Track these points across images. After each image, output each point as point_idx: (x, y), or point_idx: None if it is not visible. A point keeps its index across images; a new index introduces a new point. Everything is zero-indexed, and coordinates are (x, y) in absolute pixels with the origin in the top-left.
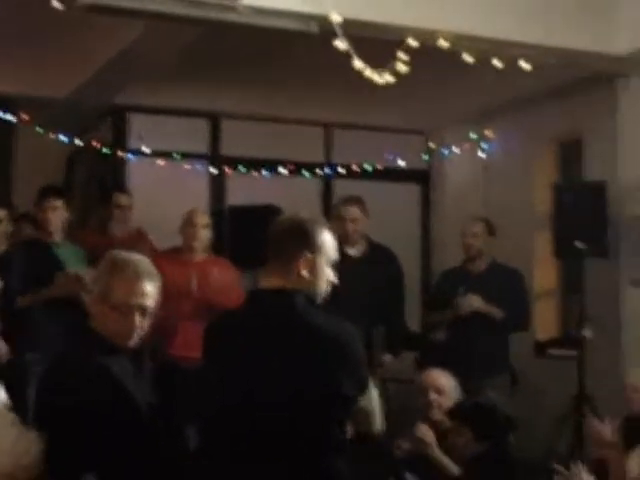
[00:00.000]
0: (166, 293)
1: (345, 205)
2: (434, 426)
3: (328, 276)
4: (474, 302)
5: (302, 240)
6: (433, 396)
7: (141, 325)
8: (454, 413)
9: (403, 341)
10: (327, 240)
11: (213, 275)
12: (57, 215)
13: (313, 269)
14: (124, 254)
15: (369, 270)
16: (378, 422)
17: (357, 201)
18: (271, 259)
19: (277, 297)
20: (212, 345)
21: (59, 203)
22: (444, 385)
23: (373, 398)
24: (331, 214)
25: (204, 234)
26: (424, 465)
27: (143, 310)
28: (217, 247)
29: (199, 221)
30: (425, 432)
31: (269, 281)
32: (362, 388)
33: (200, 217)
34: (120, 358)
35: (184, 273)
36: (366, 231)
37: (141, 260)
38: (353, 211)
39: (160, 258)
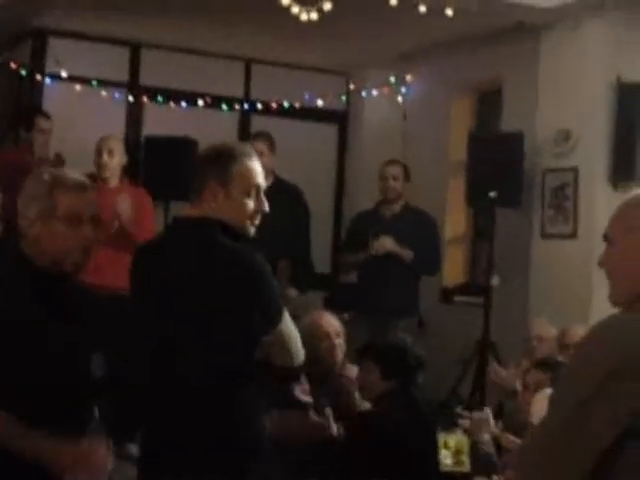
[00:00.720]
0: None
1: (252, 140)
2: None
3: (244, 206)
4: (387, 244)
5: (210, 169)
6: (337, 340)
7: (94, 237)
8: (364, 351)
9: (309, 278)
10: (243, 170)
11: (125, 203)
12: None
13: (221, 199)
14: (58, 170)
15: (273, 204)
16: (296, 354)
17: (264, 136)
18: (191, 188)
19: (189, 226)
20: (132, 276)
21: None
22: (335, 328)
23: (291, 330)
24: None
25: (115, 161)
26: None
27: (94, 218)
28: (132, 176)
29: (111, 147)
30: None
31: (187, 210)
32: (275, 320)
33: (111, 143)
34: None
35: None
36: (273, 166)
37: (77, 175)
38: (258, 146)
39: None
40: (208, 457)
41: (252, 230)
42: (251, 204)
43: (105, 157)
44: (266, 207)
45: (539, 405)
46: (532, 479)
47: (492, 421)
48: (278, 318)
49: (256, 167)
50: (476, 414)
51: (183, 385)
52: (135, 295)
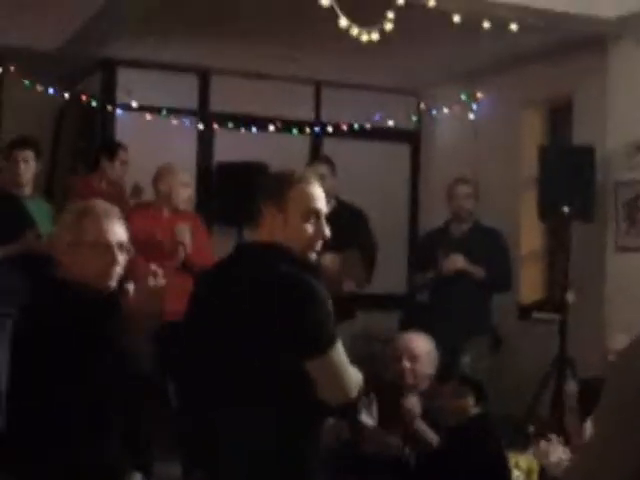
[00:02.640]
0: (137, 246)
1: (313, 164)
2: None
3: (303, 231)
4: (457, 262)
5: (268, 194)
6: (406, 364)
7: (120, 261)
8: (449, 373)
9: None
10: (301, 194)
11: (186, 232)
12: (28, 167)
13: (279, 224)
14: (87, 202)
15: (336, 228)
16: (348, 388)
17: (324, 160)
18: (252, 213)
19: (250, 252)
20: (193, 299)
21: (30, 154)
22: (419, 351)
23: (342, 362)
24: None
25: (182, 191)
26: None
27: (120, 245)
28: (204, 203)
29: (177, 178)
30: (414, 404)
31: (249, 235)
32: (324, 346)
33: (176, 174)
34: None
35: (155, 227)
36: (335, 190)
37: (107, 204)
38: (320, 169)
39: (132, 212)
40: None
41: (313, 255)
42: (310, 229)
43: (170, 185)
44: (327, 232)
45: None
46: None
47: (560, 448)
48: (328, 345)
49: (315, 191)
50: (543, 443)
51: (228, 405)
52: (191, 316)
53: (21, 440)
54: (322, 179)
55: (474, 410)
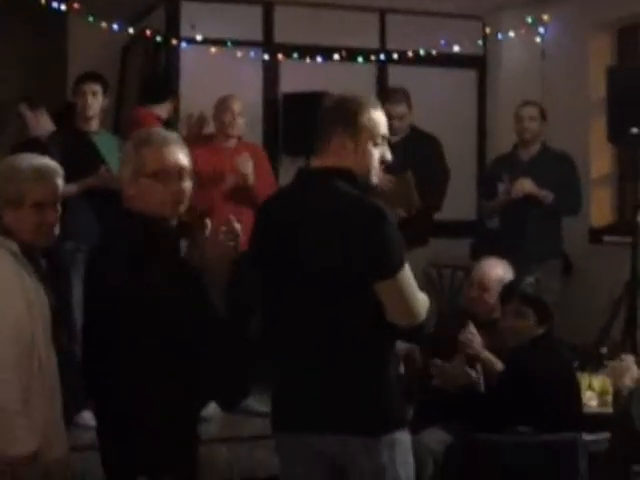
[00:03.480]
0: (199, 179)
1: (392, 104)
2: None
3: (371, 156)
4: (525, 186)
5: (338, 120)
6: (477, 292)
7: (185, 187)
8: (510, 294)
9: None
10: (371, 120)
11: (248, 164)
12: (95, 100)
13: (350, 149)
14: (144, 130)
15: (410, 155)
16: (417, 312)
17: (400, 91)
18: (316, 139)
19: (316, 177)
20: (258, 229)
21: (97, 88)
22: (490, 280)
23: (410, 285)
24: None
25: (239, 121)
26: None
27: (182, 171)
28: (271, 134)
29: (235, 108)
30: (472, 333)
31: (314, 161)
32: (393, 269)
33: (235, 104)
34: (167, 234)
35: (217, 159)
36: (415, 121)
37: (165, 132)
38: (400, 110)
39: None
40: (340, 414)
41: (376, 179)
42: (377, 154)
43: (228, 116)
44: (389, 156)
45: None
46: None
47: (634, 368)
48: (398, 268)
49: (382, 117)
50: (616, 362)
51: (308, 338)
52: (259, 246)
53: (101, 375)
54: (402, 118)
55: (538, 331)
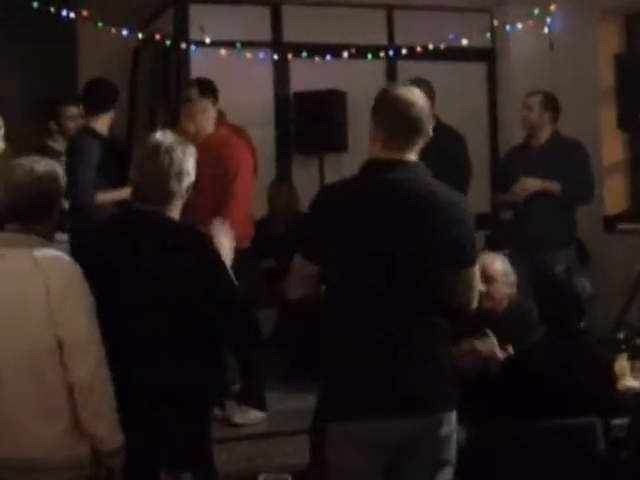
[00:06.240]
0: None
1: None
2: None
3: None
4: (529, 185)
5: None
6: (481, 286)
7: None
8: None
9: None
10: None
11: None
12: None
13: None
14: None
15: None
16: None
17: (423, 83)
18: (404, 134)
19: (394, 167)
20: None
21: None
22: (493, 272)
23: (477, 275)
24: None
25: None
26: None
27: None
28: (283, 133)
29: None
30: (494, 342)
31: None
32: (471, 261)
33: None
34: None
35: None
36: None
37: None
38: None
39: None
40: (423, 393)
41: None
42: None
43: None
44: None
45: None
46: None
47: None
48: (474, 261)
49: None
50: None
51: (388, 321)
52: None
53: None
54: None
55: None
